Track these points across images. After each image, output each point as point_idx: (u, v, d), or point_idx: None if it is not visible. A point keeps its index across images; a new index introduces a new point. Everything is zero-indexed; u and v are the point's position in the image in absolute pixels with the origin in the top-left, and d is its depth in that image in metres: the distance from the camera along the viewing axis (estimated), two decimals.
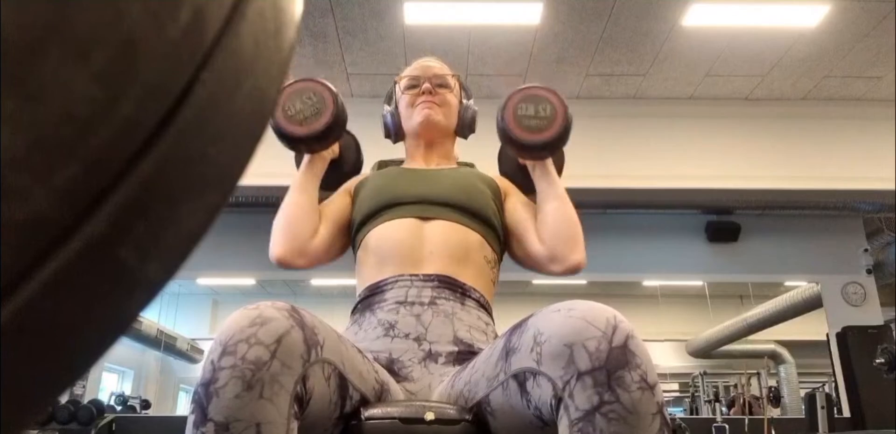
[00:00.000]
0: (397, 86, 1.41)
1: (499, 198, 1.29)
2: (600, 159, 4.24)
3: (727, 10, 3.71)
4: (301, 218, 1.21)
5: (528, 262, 1.24)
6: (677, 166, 4.38)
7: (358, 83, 4.33)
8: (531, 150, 1.22)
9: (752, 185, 4.36)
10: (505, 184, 1.34)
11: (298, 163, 1.32)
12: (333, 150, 1.33)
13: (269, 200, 4.09)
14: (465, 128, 1.40)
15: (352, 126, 1.33)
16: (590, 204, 4.22)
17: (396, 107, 1.39)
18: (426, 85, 1.34)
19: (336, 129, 1.23)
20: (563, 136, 1.20)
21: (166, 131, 0.20)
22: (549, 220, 1.20)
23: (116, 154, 0.19)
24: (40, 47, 0.17)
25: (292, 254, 1.18)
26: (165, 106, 0.20)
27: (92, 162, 0.18)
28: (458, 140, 1.44)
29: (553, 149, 1.24)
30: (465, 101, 1.41)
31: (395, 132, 1.39)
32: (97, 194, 0.18)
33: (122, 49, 0.18)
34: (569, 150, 1.35)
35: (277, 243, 1.18)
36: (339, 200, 1.31)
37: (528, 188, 1.32)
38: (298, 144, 1.24)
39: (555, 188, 1.24)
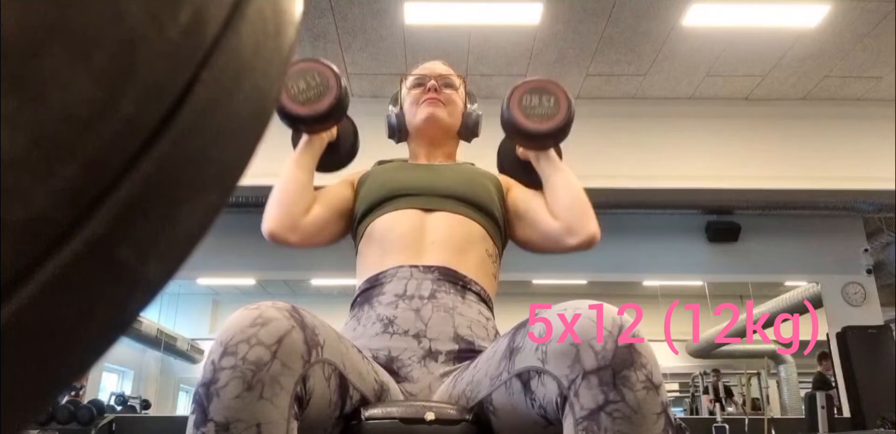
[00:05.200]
0: (402, 85, 1.41)
1: (501, 193, 1.30)
2: (600, 159, 4.24)
3: (727, 10, 3.71)
4: (295, 193, 1.21)
5: (543, 242, 1.23)
6: (677, 166, 4.38)
7: (358, 83, 4.33)
8: (536, 138, 1.24)
9: (752, 185, 4.36)
10: (506, 179, 1.35)
11: (296, 143, 1.32)
12: (332, 132, 1.33)
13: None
14: (468, 131, 1.40)
15: None
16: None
17: (401, 107, 1.39)
18: (432, 82, 1.35)
19: (338, 111, 1.23)
20: (567, 125, 1.22)
21: (166, 131, 0.20)
22: (559, 195, 1.22)
23: (116, 154, 0.19)
24: (41, 47, 0.17)
25: (284, 228, 1.17)
26: (165, 106, 0.19)
27: (92, 162, 0.18)
28: (460, 142, 1.44)
29: (558, 137, 1.26)
30: (469, 105, 1.41)
31: (398, 131, 1.39)
32: (97, 194, 0.18)
33: (123, 49, 0.18)
34: (568, 149, 1.35)
35: (270, 217, 1.18)
36: (339, 188, 1.31)
37: (529, 182, 1.32)
38: (299, 124, 1.24)
39: (561, 170, 1.25)
